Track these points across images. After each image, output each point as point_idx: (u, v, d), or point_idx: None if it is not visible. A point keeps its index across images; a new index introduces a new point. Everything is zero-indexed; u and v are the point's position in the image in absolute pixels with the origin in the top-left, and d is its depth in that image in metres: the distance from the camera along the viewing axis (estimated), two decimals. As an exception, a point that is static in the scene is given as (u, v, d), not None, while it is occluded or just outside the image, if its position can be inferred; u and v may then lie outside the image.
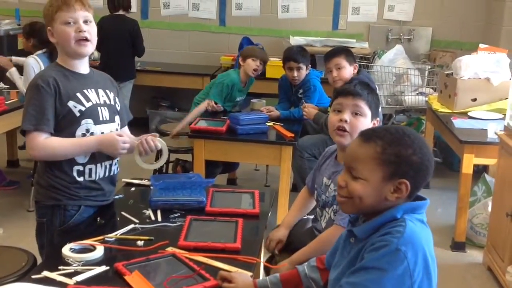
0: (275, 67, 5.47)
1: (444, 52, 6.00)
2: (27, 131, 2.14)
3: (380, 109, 3.81)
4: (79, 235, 2.04)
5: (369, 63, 5.62)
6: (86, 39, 2.17)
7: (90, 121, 2.20)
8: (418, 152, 1.51)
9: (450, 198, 4.52)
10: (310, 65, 4.34)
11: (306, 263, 1.89)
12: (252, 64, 4.23)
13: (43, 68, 4.19)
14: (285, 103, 4.44)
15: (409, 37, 6.25)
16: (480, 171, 4.46)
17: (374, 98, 2.28)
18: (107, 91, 2.31)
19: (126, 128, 2.46)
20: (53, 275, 1.77)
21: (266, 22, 6.46)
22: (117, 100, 2.34)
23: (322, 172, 2.42)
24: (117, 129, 2.32)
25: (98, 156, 2.24)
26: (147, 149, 2.30)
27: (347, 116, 2.23)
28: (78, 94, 2.18)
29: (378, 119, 2.31)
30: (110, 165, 2.32)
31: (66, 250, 1.91)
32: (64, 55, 2.21)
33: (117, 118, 2.32)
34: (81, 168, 2.22)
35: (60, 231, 2.20)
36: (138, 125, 6.89)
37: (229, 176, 4.93)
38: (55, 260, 1.87)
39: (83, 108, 2.18)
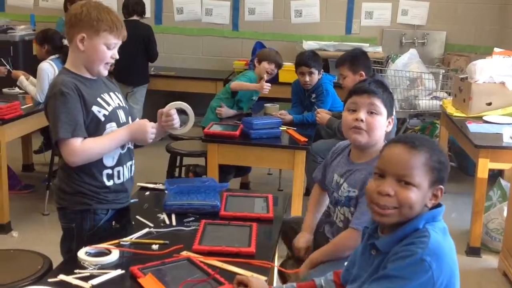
0: (288, 72, 5.44)
1: (459, 56, 5.97)
2: (62, 139, 2.10)
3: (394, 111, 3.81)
4: (103, 238, 2.06)
5: (382, 67, 5.60)
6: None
7: (114, 124, 2.22)
8: (447, 159, 1.57)
9: (465, 203, 4.48)
10: (322, 70, 4.34)
11: (323, 277, 1.86)
12: (266, 67, 4.28)
13: (57, 72, 4.22)
14: (298, 107, 4.44)
15: (423, 41, 6.22)
16: (495, 175, 4.42)
17: (389, 96, 2.25)
18: (116, 93, 2.34)
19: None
20: (69, 279, 1.78)
21: (279, 26, 6.47)
22: (124, 101, 2.38)
23: (333, 169, 2.39)
24: None
25: (123, 157, 2.28)
26: (170, 124, 2.33)
27: (363, 115, 2.19)
28: (99, 99, 2.20)
29: (392, 117, 2.28)
30: (131, 165, 2.36)
31: (82, 253, 1.92)
32: (80, 64, 2.20)
33: (129, 119, 2.35)
34: (110, 171, 2.24)
35: (91, 234, 2.20)
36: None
37: (242, 180, 4.94)
38: (71, 264, 1.89)
39: (106, 113, 2.20)
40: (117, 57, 2.23)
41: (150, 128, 2.25)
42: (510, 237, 3.52)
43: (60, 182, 2.27)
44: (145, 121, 2.29)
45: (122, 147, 2.28)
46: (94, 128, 2.18)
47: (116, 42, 2.20)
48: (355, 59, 3.75)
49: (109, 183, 2.24)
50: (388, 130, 2.27)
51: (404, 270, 1.44)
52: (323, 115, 3.90)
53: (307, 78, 4.22)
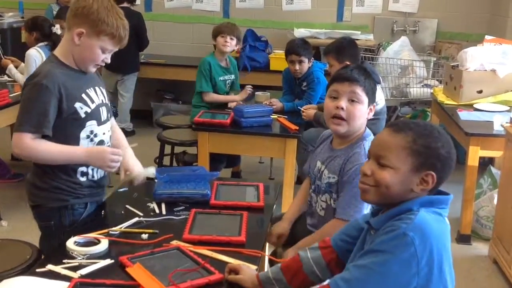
0: (279, 60, 5.44)
1: (450, 44, 5.96)
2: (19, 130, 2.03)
3: (383, 99, 3.79)
4: (86, 230, 2.03)
5: (374, 55, 5.59)
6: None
7: (94, 122, 2.15)
8: (446, 146, 1.54)
9: (456, 190, 4.44)
10: (313, 58, 4.31)
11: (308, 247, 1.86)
12: (221, 41, 4.23)
13: (45, 59, 4.18)
14: (289, 95, 4.41)
15: (414, 28, 6.20)
16: (485, 163, 4.43)
17: (371, 83, 2.24)
18: (101, 87, 2.26)
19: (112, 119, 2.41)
20: (57, 269, 1.77)
21: (270, 14, 6.42)
22: (107, 96, 2.31)
23: (316, 156, 2.40)
24: (111, 127, 2.30)
25: None
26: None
27: (343, 103, 2.19)
28: (84, 95, 2.13)
29: (374, 104, 2.27)
30: None
31: (70, 243, 1.90)
32: (70, 54, 2.12)
33: (110, 116, 2.30)
34: (84, 169, 2.18)
35: (71, 231, 2.09)
36: (142, 118, 6.85)
37: (233, 169, 4.92)
38: (59, 254, 1.87)
39: (88, 110, 2.13)
40: (109, 61, 2.15)
41: (110, 157, 2.11)
42: (500, 224, 3.54)
43: (34, 178, 2.18)
44: (107, 150, 2.14)
45: (101, 145, 2.20)
46: (72, 124, 2.11)
47: (112, 49, 2.13)
48: (341, 48, 3.74)
49: (83, 179, 2.19)
50: (369, 117, 2.26)
51: (386, 244, 1.45)
52: (308, 112, 3.87)
53: (297, 67, 4.20)
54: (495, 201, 3.74)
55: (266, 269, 2.43)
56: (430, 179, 1.52)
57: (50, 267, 1.77)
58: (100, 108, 2.19)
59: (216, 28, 4.32)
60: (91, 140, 2.16)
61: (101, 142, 2.20)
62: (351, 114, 2.19)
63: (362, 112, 2.21)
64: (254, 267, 1.83)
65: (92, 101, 2.15)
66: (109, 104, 2.30)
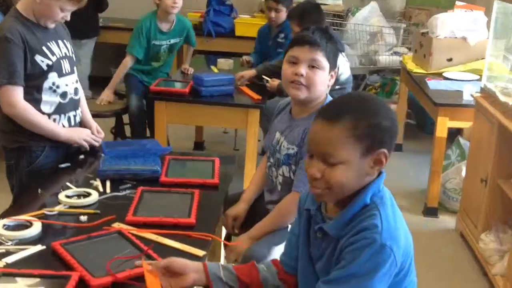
0: (245, 25, 5.24)
1: (420, 10, 5.80)
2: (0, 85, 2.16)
3: (348, 68, 3.63)
4: (19, 211, 1.85)
5: (342, 21, 5.41)
6: None
7: (55, 74, 2.26)
8: (386, 115, 1.37)
9: (423, 161, 4.41)
10: None
11: (263, 264, 1.63)
12: (169, 2, 3.81)
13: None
14: (259, 54, 4.28)
15: (384, -6, 6.01)
16: (453, 133, 4.34)
17: (333, 47, 2.07)
18: (65, 41, 2.36)
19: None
20: (-20, 257, 1.57)
21: (236, -24, 6.15)
22: (72, 49, 2.42)
23: (275, 127, 2.24)
24: (76, 80, 2.41)
25: (63, 106, 2.33)
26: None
27: (303, 69, 2.02)
28: (44, 48, 2.23)
29: (335, 70, 2.10)
30: (74, 116, 2.41)
31: (-3, 227, 1.70)
32: (31, 10, 2.22)
33: (75, 69, 2.41)
34: (46, 118, 2.28)
35: (28, 171, 2.29)
36: (102, 85, 6.53)
37: (196, 139, 4.74)
38: (-16, 239, 1.67)
39: (50, 62, 2.24)
40: (68, 19, 2.27)
41: (84, 136, 2.37)
42: (468, 197, 3.45)
43: (0, 123, 2.31)
44: (84, 130, 2.41)
45: (64, 97, 2.31)
46: (35, 76, 2.22)
47: (71, 9, 2.24)
48: (304, 13, 3.56)
49: None
50: (331, 84, 2.10)
51: (368, 263, 1.30)
52: (272, 83, 3.70)
53: (273, 14, 4.09)
54: (463, 173, 3.64)
55: (222, 254, 2.28)
56: (383, 157, 1.36)
57: (-28, 255, 1.58)
58: (62, 61, 2.30)
59: None
60: (54, 91, 2.28)
61: (64, 94, 2.31)
62: (311, 81, 2.02)
63: (323, 79, 2.05)
64: (202, 252, 1.67)
65: (53, 54, 2.26)
66: (73, 58, 2.41)
